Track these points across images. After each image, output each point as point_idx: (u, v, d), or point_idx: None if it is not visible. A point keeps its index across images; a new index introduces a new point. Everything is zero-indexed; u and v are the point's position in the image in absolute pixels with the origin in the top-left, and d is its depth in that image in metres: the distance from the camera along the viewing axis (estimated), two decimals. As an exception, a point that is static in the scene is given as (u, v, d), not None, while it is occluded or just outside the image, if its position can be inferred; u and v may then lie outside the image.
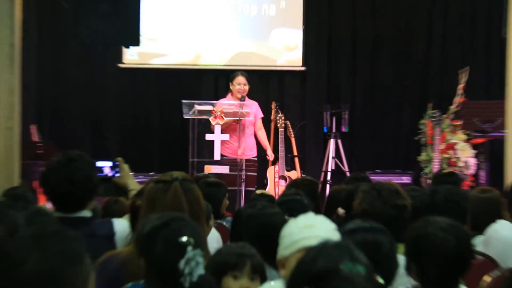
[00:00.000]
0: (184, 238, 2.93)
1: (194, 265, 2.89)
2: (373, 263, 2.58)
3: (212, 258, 3.57)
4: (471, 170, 10.22)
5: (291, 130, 10.80)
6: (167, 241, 3.00)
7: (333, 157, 10.92)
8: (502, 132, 9.00)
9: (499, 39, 9.47)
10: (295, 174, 10.56)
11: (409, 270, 3.47)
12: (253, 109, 10.21)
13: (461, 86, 10.42)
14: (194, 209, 3.79)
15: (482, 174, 10.29)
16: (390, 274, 3.14)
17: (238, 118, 9.94)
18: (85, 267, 2.30)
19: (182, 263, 2.87)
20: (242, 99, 10.10)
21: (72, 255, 2.30)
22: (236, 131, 9.99)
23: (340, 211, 4.60)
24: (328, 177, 10.78)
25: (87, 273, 2.31)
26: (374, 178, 9.30)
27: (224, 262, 3.44)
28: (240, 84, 10.21)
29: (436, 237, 3.36)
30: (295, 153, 10.83)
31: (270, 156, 10.66)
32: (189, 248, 2.90)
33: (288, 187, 6.96)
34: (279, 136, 10.59)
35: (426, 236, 3.39)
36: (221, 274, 3.38)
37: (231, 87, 10.34)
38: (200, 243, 3.02)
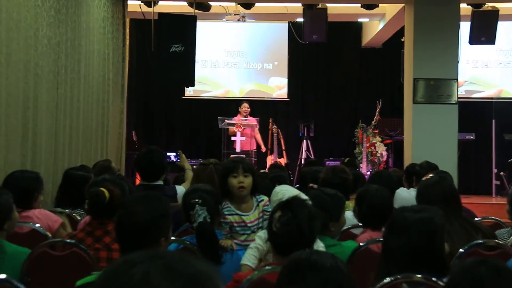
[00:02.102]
0: (193, 200, 3.05)
1: (197, 216, 2.96)
2: (328, 210, 3.05)
3: (222, 167, 3.67)
4: (384, 159, 10.48)
5: (280, 134, 11.04)
6: (188, 200, 3.11)
7: (305, 151, 11.03)
8: (401, 136, 9.43)
9: (400, 83, 9.61)
10: (283, 160, 10.78)
11: (355, 213, 3.54)
12: (254, 122, 10.64)
13: (377, 110, 10.75)
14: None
15: (390, 161, 10.62)
16: (338, 214, 3.21)
17: (250, 127, 10.58)
18: (169, 217, 2.36)
19: (191, 214, 3.01)
20: (246, 116, 10.65)
21: (162, 209, 2.36)
22: (247, 135, 10.56)
23: (314, 186, 4.30)
24: (302, 162, 10.73)
25: (170, 221, 2.37)
26: (329, 163, 9.98)
27: (226, 168, 3.42)
28: (244, 107, 10.74)
29: (371, 192, 3.43)
30: (283, 147, 11.07)
31: (263, 149, 10.91)
32: (197, 206, 2.98)
33: (271, 167, 6.97)
34: (274, 138, 10.94)
35: (366, 191, 3.48)
36: (226, 176, 3.34)
37: (239, 109, 10.78)
38: (207, 202, 3.06)
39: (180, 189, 4.29)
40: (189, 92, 12.00)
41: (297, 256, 1.74)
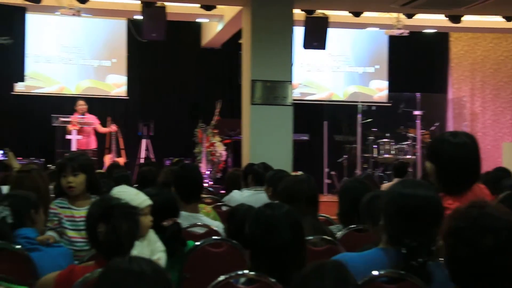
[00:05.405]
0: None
1: None
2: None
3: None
4: (223, 158, 10.63)
5: (119, 133, 11.05)
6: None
7: (144, 150, 11.20)
8: (240, 137, 9.58)
9: (238, 84, 9.59)
10: (122, 160, 10.81)
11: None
12: (92, 120, 10.61)
13: (217, 110, 10.88)
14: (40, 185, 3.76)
15: (229, 160, 10.75)
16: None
17: (88, 126, 10.41)
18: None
19: None
20: (82, 114, 10.47)
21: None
22: (85, 134, 10.37)
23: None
24: (142, 161, 10.76)
25: None
26: (168, 162, 9.88)
27: (58, 166, 3.56)
28: (80, 105, 10.54)
29: (241, 212, 3.33)
30: (122, 147, 11.09)
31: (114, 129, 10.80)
32: (0, 206, 3.01)
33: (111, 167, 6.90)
34: (112, 137, 10.94)
35: (236, 210, 3.43)
36: (59, 177, 3.43)
37: (75, 108, 10.54)
38: (17, 204, 3.07)
39: (5, 189, 4.10)
40: (20, 87, 11.41)
41: (116, 264, 1.69)
